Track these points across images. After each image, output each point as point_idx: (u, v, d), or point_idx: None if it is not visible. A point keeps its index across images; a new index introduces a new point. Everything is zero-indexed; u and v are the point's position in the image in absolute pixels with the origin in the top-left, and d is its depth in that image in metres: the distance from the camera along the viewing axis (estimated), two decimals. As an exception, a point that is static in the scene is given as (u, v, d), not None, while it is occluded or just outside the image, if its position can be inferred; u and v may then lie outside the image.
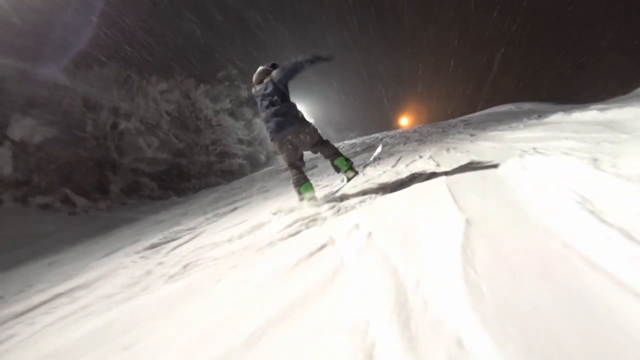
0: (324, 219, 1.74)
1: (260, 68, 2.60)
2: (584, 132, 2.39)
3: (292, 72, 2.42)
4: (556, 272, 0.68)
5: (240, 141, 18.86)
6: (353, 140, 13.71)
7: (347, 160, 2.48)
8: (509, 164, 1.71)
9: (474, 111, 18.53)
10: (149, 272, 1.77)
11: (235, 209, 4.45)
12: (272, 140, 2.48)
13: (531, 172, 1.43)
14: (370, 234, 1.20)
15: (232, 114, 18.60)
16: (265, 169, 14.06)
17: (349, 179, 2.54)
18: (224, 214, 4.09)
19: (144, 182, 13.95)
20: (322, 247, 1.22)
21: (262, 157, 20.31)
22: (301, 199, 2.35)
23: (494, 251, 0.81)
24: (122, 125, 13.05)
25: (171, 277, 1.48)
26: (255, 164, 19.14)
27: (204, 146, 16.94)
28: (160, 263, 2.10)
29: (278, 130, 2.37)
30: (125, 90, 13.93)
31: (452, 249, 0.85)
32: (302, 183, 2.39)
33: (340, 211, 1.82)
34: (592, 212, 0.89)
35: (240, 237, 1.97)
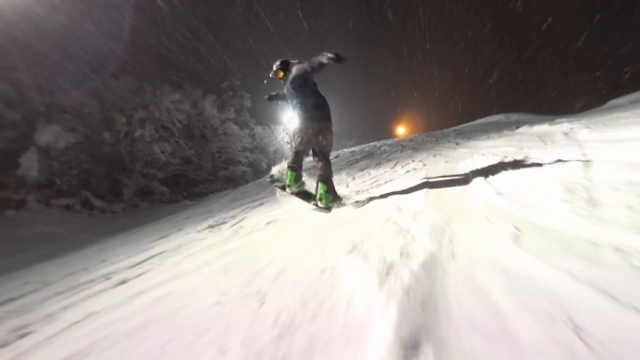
0: (349, 197, 2.73)
1: (279, 60, 2.58)
2: (523, 141, 3.45)
3: (317, 68, 2.33)
4: (463, 199, 1.69)
5: (244, 149, 19.70)
6: (352, 148, 14.52)
7: (328, 191, 2.40)
8: (465, 161, 2.74)
9: (470, 120, 19.69)
10: (239, 229, 2.70)
11: (262, 204, 4.81)
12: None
13: (472, 164, 2.47)
14: (380, 197, 2.20)
15: (237, 123, 19.47)
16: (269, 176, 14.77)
17: (317, 204, 2.42)
18: (254, 207, 4.55)
19: (154, 186, 14.67)
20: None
21: (264, 165, 21.27)
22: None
23: (438, 193, 1.85)
24: (137, 132, 13.89)
25: (266, 224, 2.43)
26: (257, 171, 20.03)
27: (211, 153, 17.78)
28: (237, 231, 2.78)
29: (305, 120, 2.38)
30: (140, 99, 14.77)
31: (420, 194, 1.87)
32: (290, 170, 2.57)
33: (360, 193, 2.82)
34: (488, 182, 1.91)
35: (287, 212, 2.92)
